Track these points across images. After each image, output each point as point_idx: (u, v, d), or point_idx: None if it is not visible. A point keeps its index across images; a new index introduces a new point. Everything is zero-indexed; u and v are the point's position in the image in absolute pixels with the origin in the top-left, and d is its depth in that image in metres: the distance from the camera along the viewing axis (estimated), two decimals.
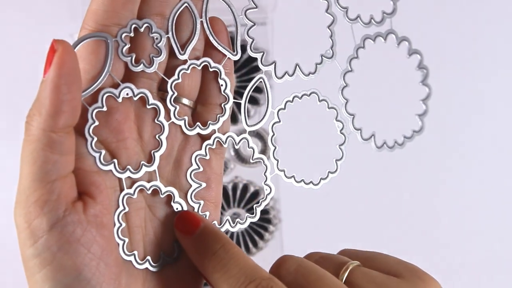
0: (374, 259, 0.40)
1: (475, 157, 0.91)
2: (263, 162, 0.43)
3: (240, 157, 0.83)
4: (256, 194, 0.84)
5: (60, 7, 0.75)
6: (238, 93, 0.70)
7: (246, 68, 0.80)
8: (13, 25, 0.77)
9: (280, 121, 0.44)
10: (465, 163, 0.91)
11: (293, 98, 0.44)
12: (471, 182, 0.92)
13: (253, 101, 0.80)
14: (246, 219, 0.43)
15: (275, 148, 0.44)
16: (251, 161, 0.44)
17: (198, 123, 0.41)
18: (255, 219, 0.44)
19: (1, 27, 0.77)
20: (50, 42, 0.34)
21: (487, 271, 0.92)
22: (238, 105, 0.43)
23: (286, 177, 0.45)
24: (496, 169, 0.92)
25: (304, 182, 0.45)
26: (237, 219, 0.43)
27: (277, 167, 0.44)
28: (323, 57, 0.45)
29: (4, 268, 0.76)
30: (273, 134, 0.44)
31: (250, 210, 0.83)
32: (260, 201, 0.44)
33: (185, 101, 0.41)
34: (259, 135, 0.78)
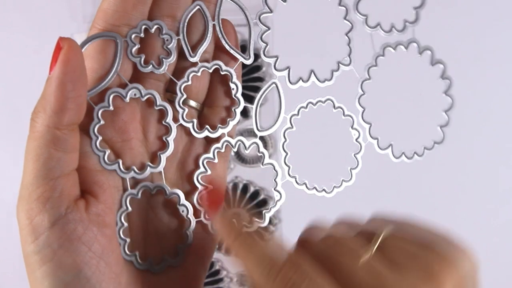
0: (407, 227, 0.39)
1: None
2: (274, 168, 0.43)
3: (240, 157, 0.82)
4: (256, 194, 0.84)
5: (60, 7, 0.75)
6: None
7: (246, 69, 0.79)
8: (13, 25, 0.77)
9: (293, 127, 0.43)
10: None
11: (307, 105, 0.44)
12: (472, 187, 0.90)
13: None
14: (254, 223, 0.43)
15: (287, 154, 0.44)
16: (262, 166, 0.43)
17: (207, 126, 0.40)
18: (264, 224, 0.43)
19: (1, 27, 0.78)
20: (53, 41, 0.34)
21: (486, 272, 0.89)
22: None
23: (298, 183, 0.44)
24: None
25: (316, 190, 0.44)
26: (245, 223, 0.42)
27: (289, 174, 0.44)
28: (340, 64, 0.44)
29: (5, 264, 0.76)
30: (285, 140, 0.43)
31: (251, 211, 0.83)
32: (270, 207, 0.43)
33: (192, 103, 0.40)
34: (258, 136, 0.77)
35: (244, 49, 0.41)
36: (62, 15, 0.72)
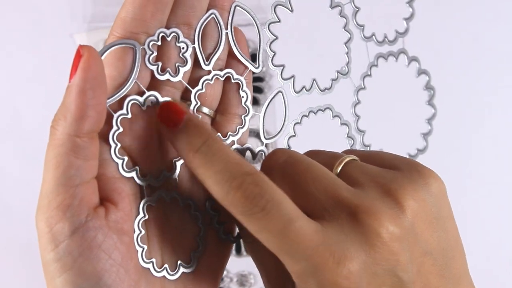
0: (372, 155, 0.40)
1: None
2: None
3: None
4: None
5: (60, 7, 0.74)
6: None
7: None
8: (13, 25, 0.76)
9: (295, 134, 0.45)
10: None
11: (308, 113, 0.45)
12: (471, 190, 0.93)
13: (254, 101, 0.81)
14: None
15: None
16: None
17: (218, 133, 0.41)
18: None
19: (1, 27, 0.76)
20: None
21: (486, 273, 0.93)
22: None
23: None
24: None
25: None
26: None
27: None
28: (338, 74, 0.46)
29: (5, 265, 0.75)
30: (288, 147, 0.44)
31: None
32: None
33: (206, 110, 0.41)
34: (259, 135, 0.78)
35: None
36: (62, 15, 0.70)
